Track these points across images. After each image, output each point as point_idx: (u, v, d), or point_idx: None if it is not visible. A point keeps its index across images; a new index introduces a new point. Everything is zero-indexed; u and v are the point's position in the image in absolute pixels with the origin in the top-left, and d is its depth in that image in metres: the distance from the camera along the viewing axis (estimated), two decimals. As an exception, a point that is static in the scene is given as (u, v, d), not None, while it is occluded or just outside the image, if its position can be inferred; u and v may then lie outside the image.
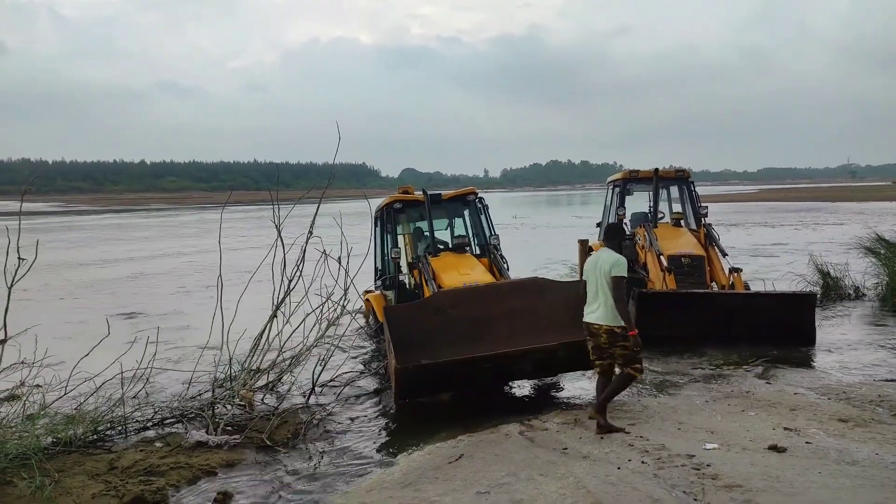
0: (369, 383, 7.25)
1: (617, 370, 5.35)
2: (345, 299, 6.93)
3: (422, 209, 8.83)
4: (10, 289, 5.18)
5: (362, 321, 9.56)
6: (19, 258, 5.07)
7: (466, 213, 9.29)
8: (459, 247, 8.60)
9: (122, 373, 5.79)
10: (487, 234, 8.73)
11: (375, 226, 9.64)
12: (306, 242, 6.70)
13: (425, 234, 8.74)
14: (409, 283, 8.65)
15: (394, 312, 6.51)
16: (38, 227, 38.34)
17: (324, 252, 6.61)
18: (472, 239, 9.02)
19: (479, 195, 9.17)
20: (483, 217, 8.92)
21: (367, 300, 9.67)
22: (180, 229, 38.55)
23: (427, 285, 7.50)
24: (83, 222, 48.34)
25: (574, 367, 6.68)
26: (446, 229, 9.52)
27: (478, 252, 8.83)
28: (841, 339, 8.51)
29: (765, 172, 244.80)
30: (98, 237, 33.53)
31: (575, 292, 6.73)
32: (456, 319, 6.41)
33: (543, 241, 25.65)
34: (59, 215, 59.58)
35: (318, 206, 6.91)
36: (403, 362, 5.82)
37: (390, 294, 8.88)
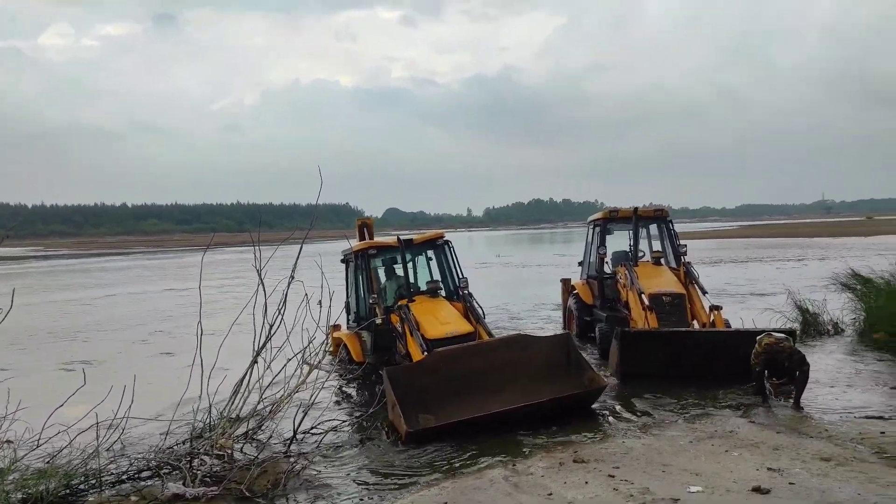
0: (351, 430, 7.14)
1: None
2: (326, 344, 6.91)
3: (392, 253, 9.30)
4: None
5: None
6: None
7: (434, 255, 9.66)
8: (432, 291, 8.99)
9: (97, 423, 5.64)
10: (457, 276, 9.13)
11: (346, 267, 9.98)
12: (288, 286, 6.67)
13: (396, 274, 9.09)
14: (379, 322, 8.78)
15: (395, 373, 6.97)
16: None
17: (305, 296, 6.57)
18: (441, 282, 9.40)
19: (447, 239, 9.58)
20: (451, 260, 9.28)
21: (339, 338, 9.75)
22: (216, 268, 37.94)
23: (412, 335, 7.78)
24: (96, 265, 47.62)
25: (558, 413, 6.91)
26: (409, 263, 9.77)
27: (444, 294, 9.18)
28: (822, 376, 8.55)
29: (743, 209, 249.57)
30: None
31: (551, 347, 7.60)
32: (450, 376, 7.06)
33: (526, 280, 25.74)
34: (41, 259, 58.69)
35: (300, 250, 6.90)
36: (413, 424, 6.41)
37: (365, 335, 9.06)
